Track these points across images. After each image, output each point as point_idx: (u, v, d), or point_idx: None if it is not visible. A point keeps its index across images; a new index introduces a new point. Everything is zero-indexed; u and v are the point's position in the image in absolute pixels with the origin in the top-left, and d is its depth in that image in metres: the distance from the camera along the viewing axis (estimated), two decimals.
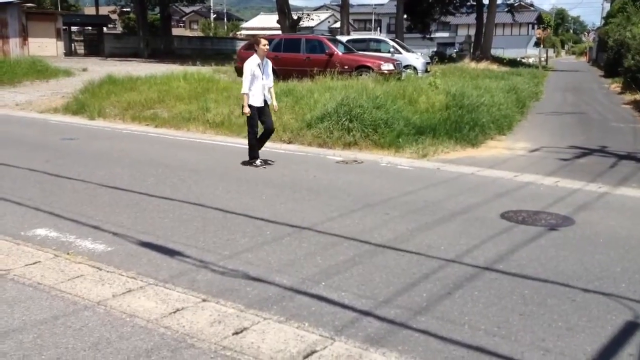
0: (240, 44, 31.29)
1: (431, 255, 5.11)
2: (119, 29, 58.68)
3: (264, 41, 8.75)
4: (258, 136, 8.91)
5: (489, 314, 3.98)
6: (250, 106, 8.57)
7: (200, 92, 15.13)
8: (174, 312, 3.88)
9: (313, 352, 3.39)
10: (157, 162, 9.08)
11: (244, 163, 8.96)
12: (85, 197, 6.94)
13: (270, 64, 8.92)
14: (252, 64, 8.54)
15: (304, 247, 5.24)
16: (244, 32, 69.06)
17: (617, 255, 5.14)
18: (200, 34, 67.00)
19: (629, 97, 20.86)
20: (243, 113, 8.79)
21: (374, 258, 5.03)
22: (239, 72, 19.54)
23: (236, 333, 3.61)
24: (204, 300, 4.06)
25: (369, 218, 6.21)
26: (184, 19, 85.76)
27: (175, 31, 57.17)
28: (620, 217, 6.43)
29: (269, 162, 9.06)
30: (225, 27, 74.12)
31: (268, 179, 8.03)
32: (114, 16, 52.74)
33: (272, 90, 8.94)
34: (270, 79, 8.84)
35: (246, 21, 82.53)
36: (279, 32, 28.32)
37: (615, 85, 26.26)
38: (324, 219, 6.09)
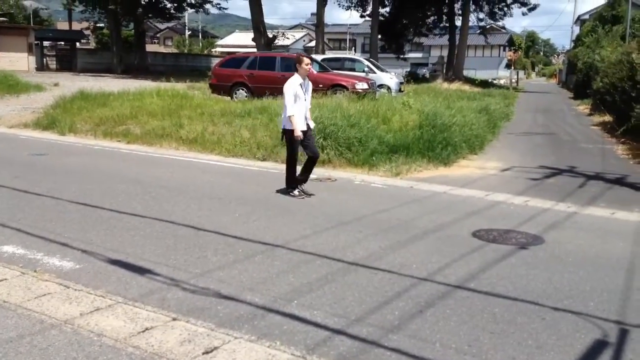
0: (215, 61, 31.26)
1: (403, 273, 5.12)
2: (92, 45, 58.21)
3: (306, 60, 7.96)
4: (303, 164, 8.20)
5: (460, 332, 3.99)
6: (289, 131, 7.77)
7: (173, 109, 15.04)
8: (143, 331, 3.81)
9: None
10: (128, 178, 8.98)
11: (280, 191, 8.22)
12: (54, 213, 6.82)
13: (311, 85, 8.21)
14: (294, 84, 7.77)
15: (276, 265, 5.21)
16: (219, 49, 69.12)
17: (586, 274, 5.21)
18: (175, 51, 66.84)
19: (597, 118, 21.35)
20: (284, 140, 8.01)
21: (347, 276, 5.02)
22: (214, 88, 19.62)
23: (206, 352, 3.56)
24: (174, 319, 4.01)
25: (342, 236, 6.21)
26: (158, 35, 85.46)
27: (150, 47, 56.91)
28: (589, 236, 6.54)
29: (307, 193, 8.10)
30: (200, 44, 74.05)
31: (241, 197, 7.99)
32: (88, 31, 52.25)
33: (308, 109, 8.14)
34: (309, 101, 8.12)
35: (221, 38, 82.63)
36: (254, 50, 28.39)
37: (584, 107, 26.86)
38: (297, 237, 6.08)
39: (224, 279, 4.83)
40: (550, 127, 18.89)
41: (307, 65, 7.90)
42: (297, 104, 7.74)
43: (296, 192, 8.01)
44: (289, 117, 7.69)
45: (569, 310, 4.41)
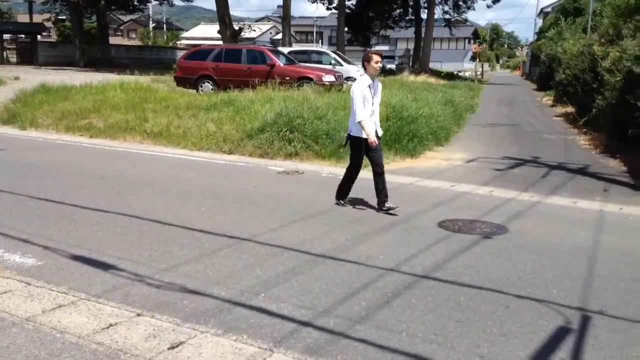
0: (180, 54, 30.83)
1: (370, 264, 5.14)
2: (54, 38, 56.87)
3: (376, 57, 6.81)
4: (374, 182, 7.09)
5: (426, 321, 4.03)
6: (356, 138, 6.93)
7: (137, 102, 14.82)
8: (107, 328, 3.75)
9: None
10: (91, 173, 8.81)
11: (338, 203, 7.30)
12: (14, 209, 6.65)
13: (380, 86, 7.16)
14: (362, 85, 6.77)
15: (243, 259, 5.18)
16: (184, 41, 68.19)
17: (548, 262, 5.31)
18: (139, 43, 65.75)
19: (560, 109, 21.75)
20: (347, 146, 7.20)
21: (314, 268, 5.02)
22: (179, 81, 19.36)
23: (172, 347, 3.52)
24: (138, 315, 3.95)
25: (309, 228, 6.20)
26: (121, 27, 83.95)
27: (113, 40, 55.81)
28: (552, 225, 6.66)
29: (391, 209, 6.96)
30: (165, 37, 72.93)
31: (208, 190, 7.91)
32: (49, 24, 51.01)
33: (376, 120, 7.13)
34: (378, 104, 7.13)
35: (186, 31, 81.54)
36: (220, 42, 28.12)
37: (547, 99, 27.32)
38: (265, 230, 6.05)
39: (190, 274, 4.78)
40: (514, 119, 19.18)
41: (377, 63, 6.78)
42: (366, 108, 6.76)
43: (346, 200, 7.27)
44: (359, 122, 6.74)
45: (532, 297, 4.49)
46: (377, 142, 6.82)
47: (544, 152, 11.94)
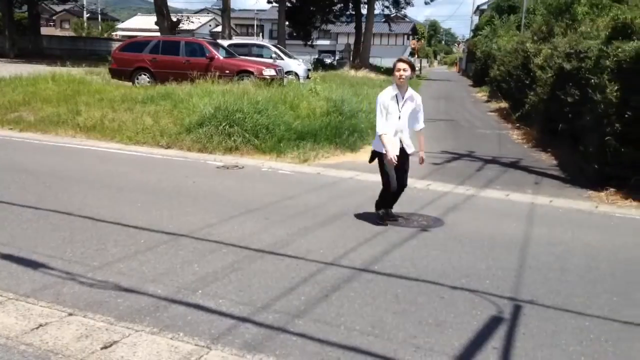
0: (115, 45, 29.92)
1: (310, 258, 5.14)
2: None
3: (399, 65, 5.98)
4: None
5: (364, 314, 4.07)
6: (378, 154, 6.24)
7: (70, 95, 14.29)
8: (37, 328, 3.61)
9: None
10: (20, 168, 8.44)
11: (379, 222, 6.38)
12: None
13: (418, 99, 6.22)
14: (384, 95, 6.08)
15: (180, 255, 5.09)
16: (120, 33, 66.39)
17: (482, 254, 5.46)
18: (72, 34, 63.52)
19: (494, 105, 22.38)
20: (371, 159, 6.43)
21: (253, 264, 4.98)
22: (114, 73, 18.82)
23: (105, 347, 3.42)
24: (69, 314, 3.82)
25: (248, 223, 6.15)
26: (54, 17, 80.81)
27: (45, 30, 53.79)
28: (486, 218, 6.86)
29: (394, 217, 6.50)
30: (100, 28, 70.77)
31: (144, 186, 7.73)
32: None
33: (420, 134, 6.41)
34: (418, 120, 6.30)
35: (122, 22, 79.40)
36: (158, 34, 27.49)
37: (482, 94, 28.09)
38: (203, 226, 5.96)
39: (124, 271, 4.65)
40: (451, 114, 19.61)
41: (397, 71, 5.94)
42: (389, 121, 6.07)
43: (383, 213, 6.47)
44: (379, 136, 6.11)
45: (467, 288, 4.61)
46: (395, 161, 5.95)
47: (479, 147, 12.26)
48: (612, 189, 8.17)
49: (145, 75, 18.37)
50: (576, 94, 10.44)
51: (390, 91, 6.08)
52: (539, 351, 3.65)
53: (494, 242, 5.86)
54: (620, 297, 4.58)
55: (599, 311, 4.29)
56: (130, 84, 17.91)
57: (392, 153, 5.95)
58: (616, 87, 8.20)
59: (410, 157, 6.35)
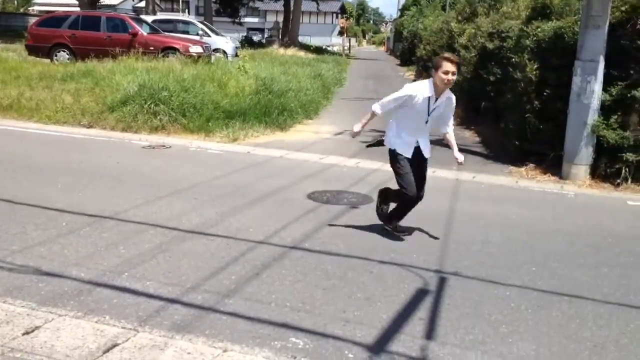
0: (32, 21, 28.39)
1: (240, 237, 5.11)
2: None
3: (446, 66, 4.84)
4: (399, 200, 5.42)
5: (294, 290, 4.09)
6: (396, 154, 5.19)
7: None
8: None
9: (114, 345, 3.21)
10: None
11: (393, 231, 5.45)
12: None
13: (453, 101, 5.17)
14: (416, 92, 4.98)
15: (104, 237, 4.93)
16: (37, 8, 62.95)
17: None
18: None
19: None
20: (354, 133, 5.36)
21: (182, 244, 4.89)
22: (31, 50, 17.88)
23: (27, 333, 3.29)
24: None
25: (177, 204, 6.03)
26: None
27: None
28: None
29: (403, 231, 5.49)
30: (16, 2, 66.95)
31: (64, 166, 7.42)
32: None
33: (450, 136, 5.35)
34: (448, 123, 5.31)
35: None
36: (77, 9, 26.28)
37: (409, 73, 28.55)
38: (128, 207, 5.79)
39: (45, 255, 4.47)
40: (380, 92, 19.75)
41: (445, 74, 4.84)
42: (407, 119, 5.08)
43: (399, 227, 5.47)
44: (371, 112, 5.24)
45: (394, 262, 4.71)
46: (356, 131, 5.26)
47: None
48: (531, 165, 8.53)
49: (64, 51, 17.57)
50: (498, 73, 10.79)
51: (424, 90, 4.97)
52: (463, 321, 3.79)
53: (420, 217, 5.99)
54: (539, 268, 4.81)
55: (519, 281, 4.48)
56: (49, 60, 17.08)
57: (358, 127, 5.23)
58: (535, 66, 8.53)
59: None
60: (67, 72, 13.09)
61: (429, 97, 4.97)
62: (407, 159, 5.15)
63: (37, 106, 11.13)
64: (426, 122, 5.09)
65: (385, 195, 5.53)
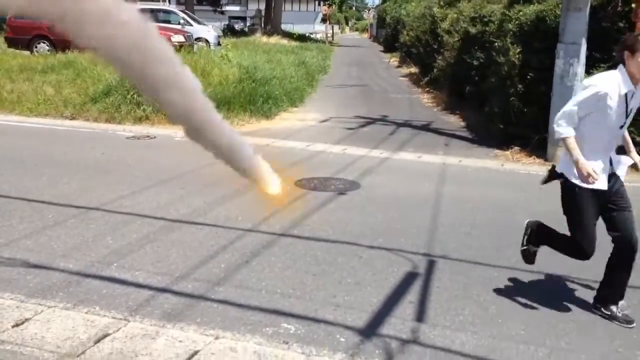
0: None
1: (229, 226, 5.11)
2: None
3: None
4: (608, 262, 3.75)
5: (284, 277, 4.10)
6: (567, 183, 3.64)
7: None
8: None
9: (105, 335, 3.21)
10: None
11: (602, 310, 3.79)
12: None
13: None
14: (610, 89, 3.47)
15: (92, 229, 4.90)
16: None
17: (397, 214, 5.62)
18: None
19: (405, 70, 22.80)
20: (547, 180, 3.84)
21: (170, 234, 4.88)
22: (10, 42, 17.62)
23: (17, 325, 3.28)
24: None
25: (164, 194, 6.00)
26: None
27: None
28: (400, 179, 7.03)
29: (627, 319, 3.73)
30: None
31: (48, 158, 7.34)
32: None
33: (627, 135, 3.76)
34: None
35: None
36: None
37: (393, 60, 28.50)
38: (114, 198, 5.75)
39: (32, 248, 4.44)
40: (364, 79, 19.83)
41: None
42: (598, 129, 3.53)
43: (620, 308, 3.70)
44: (562, 139, 3.57)
45: (383, 247, 4.73)
46: (595, 177, 3.44)
47: (392, 111, 12.49)
48: (516, 148, 8.58)
49: (44, 43, 17.34)
50: (481, 57, 10.82)
51: (616, 84, 3.49)
52: (452, 302, 3.83)
53: (408, 202, 6.04)
54: None
55: (507, 262, 4.53)
56: (29, 52, 16.85)
57: (588, 169, 3.43)
58: (518, 50, 8.56)
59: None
60: (47, 63, 12.95)
61: (626, 93, 3.49)
62: (599, 191, 3.56)
63: (19, 99, 11.00)
64: (621, 127, 3.62)
65: (542, 236, 3.95)
